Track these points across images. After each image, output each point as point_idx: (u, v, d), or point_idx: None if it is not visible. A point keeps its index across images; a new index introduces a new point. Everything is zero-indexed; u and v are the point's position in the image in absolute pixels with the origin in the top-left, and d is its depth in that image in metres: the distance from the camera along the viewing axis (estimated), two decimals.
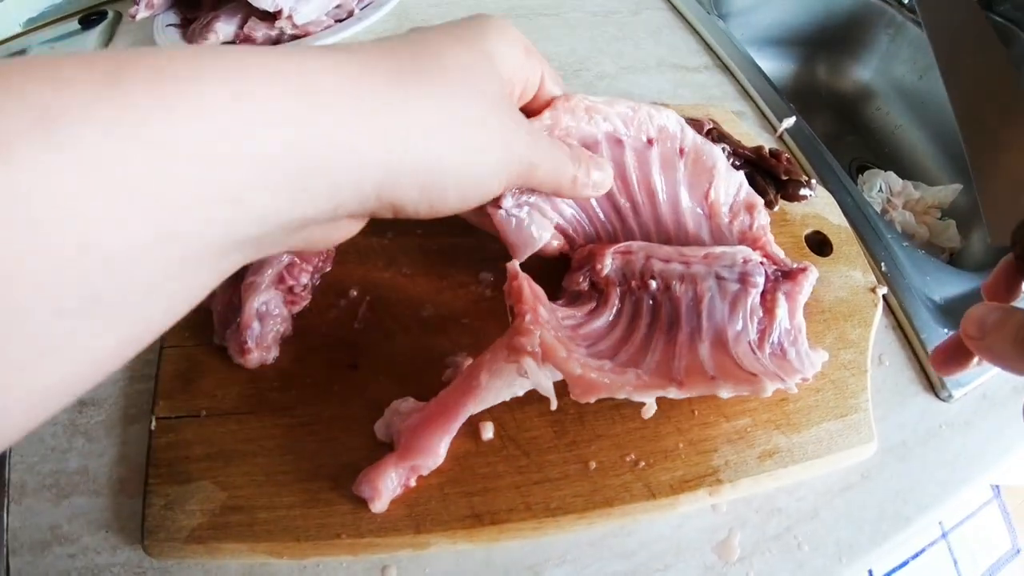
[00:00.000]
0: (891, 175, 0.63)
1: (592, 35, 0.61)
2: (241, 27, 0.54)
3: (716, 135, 0.43)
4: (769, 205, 0.41)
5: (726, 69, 0.58)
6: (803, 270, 0.33)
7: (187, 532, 0.29)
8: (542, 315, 0.28)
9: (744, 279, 0.32)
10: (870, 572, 0.34)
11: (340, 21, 0.57)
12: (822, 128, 0.75)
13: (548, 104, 0.30)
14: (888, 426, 0.36)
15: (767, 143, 0.48)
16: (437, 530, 0.29)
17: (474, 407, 0.29)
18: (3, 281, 0.13)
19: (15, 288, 0.13)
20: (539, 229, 0.32)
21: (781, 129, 0.51)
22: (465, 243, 0.35)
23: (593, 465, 0.31)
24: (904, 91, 0.71)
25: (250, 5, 0.52)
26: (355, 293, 0.37)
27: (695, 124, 0.42)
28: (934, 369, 0.37)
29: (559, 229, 0.35)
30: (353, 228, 0.26)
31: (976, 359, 0.26)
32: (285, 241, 0.21)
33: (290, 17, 0.53)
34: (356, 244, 0.38)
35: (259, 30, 0.54)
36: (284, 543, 0.29)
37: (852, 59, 0.75)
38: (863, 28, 0.73)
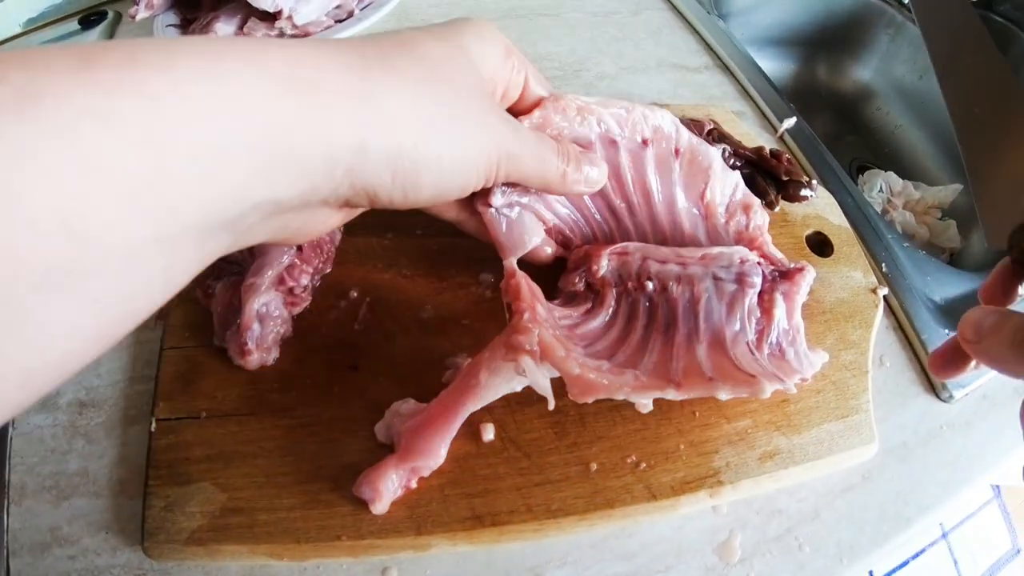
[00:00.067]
0: (891, 175, 0.63)
1: (592, 35, 0.61)
2: (241, 27, 0.54)
3: (717, 135, 0.43)
4: (770, 206, 0.41)
5: (726, 69, 0.58)
6: (800, 270, 0.33)
7: (187, 534, 0.28)
8: (540, 313, 0.28)
9: (741, 279, 0.32)
10: (870, 573, 0.34)
11: (340, 21, 0.57)
12: (822, 128, 0.75)
13: (535, 105, 0.30)
14: (889, 427, 0.36)
15: (768, 143, 0.48)
16: (438, 532, 0.29)
17: (474, 405, 0.29)
18: None
19: None
20: (530, 232, 0.32)
21: (782, 129, 0.51)
22: (465, 244, 0.35)
23: (594, 467, 0.31)
24: (904, 91, 0.71)
25: (250, 5, 0.52)
26: (355, 294, 0.37)
27: (696, 124, 0.42)
28: (932, 373, 0.37)
29: (555, 229, 0.35)
30: (332, 220, 0.26)
31: (974, 362, 0.26)
32: (262, 228, 0.21)
33: (290, 17, 0.53)
34: (356, 245, 0.38)
35: (259, 30, 0.54)
36: (284, 545, 0.29)
37: (852, 59, 0.75)
38: (863, 28, 0.73)
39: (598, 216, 0.35)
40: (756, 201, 0.36)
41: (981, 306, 0.25)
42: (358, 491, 0.29)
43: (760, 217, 0.35)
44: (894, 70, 0.72)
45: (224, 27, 0.53)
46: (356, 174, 0.21)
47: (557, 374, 0.27)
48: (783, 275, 0.33)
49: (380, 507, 0.29)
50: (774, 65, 0.75)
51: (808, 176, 0.45)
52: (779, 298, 0.32)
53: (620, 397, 0.27)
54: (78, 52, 0.15)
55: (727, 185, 0.35)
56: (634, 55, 0.59)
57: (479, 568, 0.30)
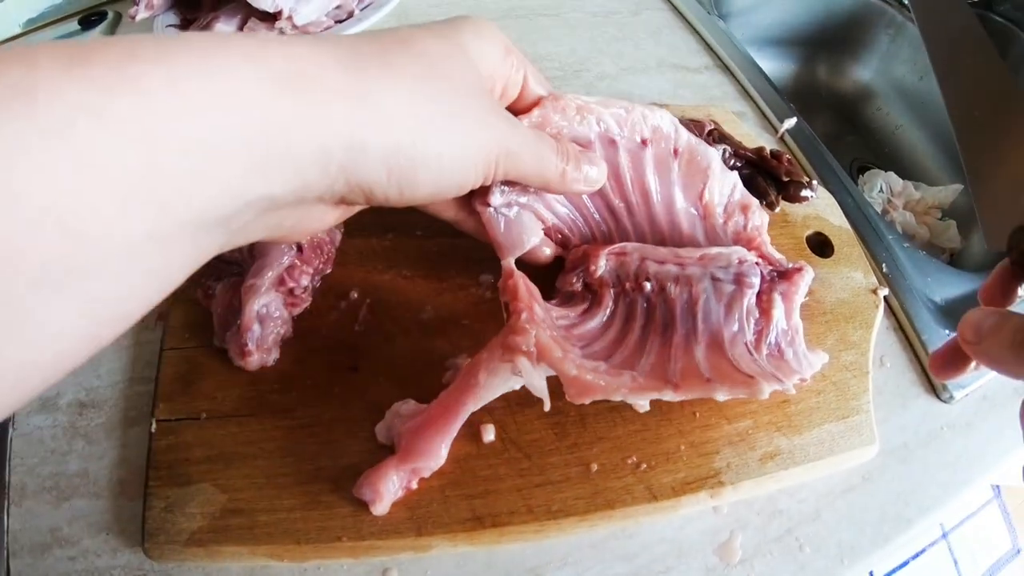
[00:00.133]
0: (892, 175, 0.63)
1: (592, 36, 0.61)
2: (241, 28, 0.54)
3: (717, 136, 0.43)
4: (770, 206, 0.41)
5: (726, 69, 0.58)
6: (799, 270, 0.33)
7: (187, 535, 0.28)
8: (538, 314, 0.28)
9: (740, 280, 0.32)
10: (871, 574, 0.34)
11: (340, 22, 0.57)
12: (822, 128, 0.75)
13: (535, 104, 0.30)
14: (889, 428, 0.36)
15: (768, 144, 0.48)
16: (438, 532, 0.29)
17: (474, 405, 0.29)
18: None
19: None
20: (528, 232, 0.32)
21: (782, 130, 0.51)
22: (465, 245, 0.35)
23: (595, 467, 0.31)
24: (904, 91, 0.71)
25: (250, 6, 0.52)
26: (355, 295, 0.37)
27: (696, 125, 0.42)
28: (932, 373, 0.37)
29: (553, 229, 0.35)
30: (328, 218, 0.26)
31: (974, 363, 0.26)
32: (256, 226, 0.21)
33: (290, 18, 0.53)
34: (356, 246, 0.38)
35: (259, 31, 0.54)
36: (284, 546, 0.29)
37: (852, 59, 0.75)
38: (863, 28, 0.73)
39: (597, 216, 0.35)
40: (754, 201, 0.36)
41: (981, 307, 0.25)
42: (358, 492, 0.29)
43: (758, 217, 0.35)
44: (894, 70, 0.72)
45: (224, 27, 0.53)
46: (352, 171, 0.21)
47: (554, 374, 0.27)
48: (781, 275, 0.33)
49: (380, 508, 0.29)
50: (774, 65, 0.75)
51: (808, 176, 0.45)
52: (777, 298, 0.32)
53: (617, 398, 0.27)
54: (71, 49, 0.15)
55: (725, 185, 0.35)
56: (634, 55, 0.59)
57: (480, 569, 0.30)
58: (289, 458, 0.31)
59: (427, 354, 0.34)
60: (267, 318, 0.33)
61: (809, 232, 0.42)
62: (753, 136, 0.49)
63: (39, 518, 0.30)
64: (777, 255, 0.35)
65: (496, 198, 0.30)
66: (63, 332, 0.16)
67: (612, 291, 0.33)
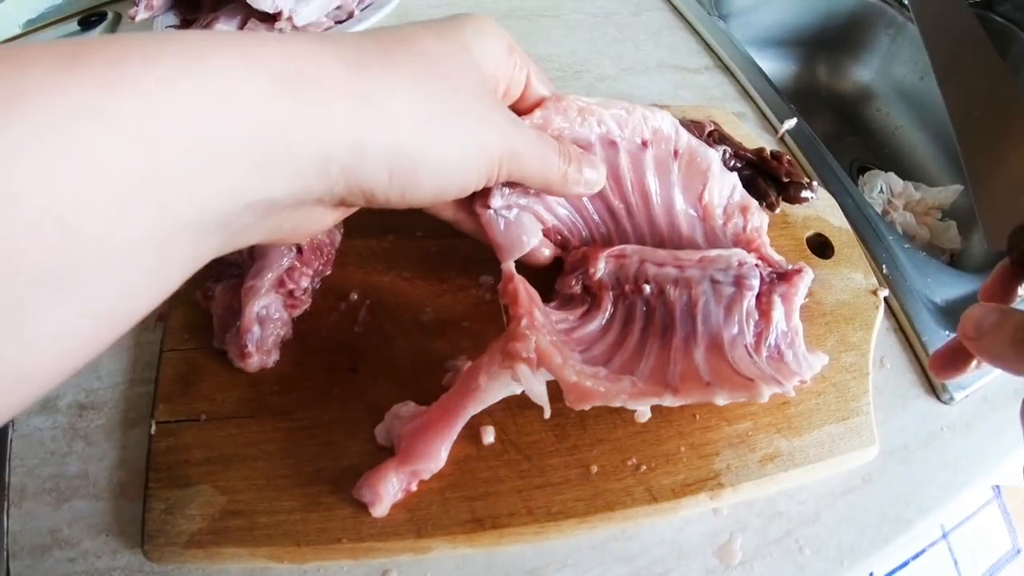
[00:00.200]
0: (892, 176, 0.63)
1: (592, 36, 0.61)
2: (241, 28, 0.54)
3: (717, 137, 0.43)
4: (771, 207, 0.41)
5: (727, 70, 0.58)
6: (798, 271, 0.33)
7: (187, 536, 0.28)
8: (538, 319, 0.28)
9: (739, 282, 0.32)
10: (871, 575, 0.34)
11: (340, 22, 0.57)
12: (822, 129, 0.75)
13: (537, 104, 0.30)
14: (889, 429, 0.36)
15: (768, 144, 0.48)
16: (438, 534, 0.29)
17: (474, 409, 0.29)
18: None
19: None
20: (528, 233, 0.32)
21: (782, 130, 0.51)
22: (465, 246, 0.35)
23: (594, 469, 0.31)
24: (905, 92, 0.71)
25: (250, 6, 0.52)
26: (355, 297, 0.37)
27: (697, 126, 0.42)
28: (933, 373, 0.37)
29: (553, 230, 0.35)
30: (327, 219, 0.25)
31: (974, 363, 0.26)
32: (256, 229, 0.21)
33: (290, 18, 0.53)
34: (356, 247, 0.38)
35: (259, 31, 0.54)
36: (284, 547, 0.29)
37: (853, 60, 0.75)
38: (864, 29, 0.72)
39: (596, 218, 0.35)
40: (753, 203, 0.36)
41: (982, 304, 0.25)
42: (358, 494, 0.29)
43: (757, 219, 0.35)
44: (894, 71, 0.72)
45: (224, 28, 0.53)
46: (352, 173, 0.21)
47: (553, 376, 0.27)
48: (781, 277, 0.33)
49: (380, 510, 0.29)
50: (774, 66, 0.75)
51: (809, 177, 0.45)
52: (777, 300, 0.32)
53: (617, 404, 0.27)
54: (71, 47, 0.15)
55: (725, 187, 0.35)
56: (634, 56, 0.59)
57: (479, 571, 0.30)
58: (289, 460, 0.31)
59: (427, 355, 0.34)
60: (267, 320, 0.33)
61: (809, 233, 0.42)
62: (753, 137, 0.49)
63: (39, 519, 0.30)
64: (777, 257, 0.35)
65: (497, 200, 0.30)
66: (63, 332, 0.16)
67: (611, 294, 0.33)
